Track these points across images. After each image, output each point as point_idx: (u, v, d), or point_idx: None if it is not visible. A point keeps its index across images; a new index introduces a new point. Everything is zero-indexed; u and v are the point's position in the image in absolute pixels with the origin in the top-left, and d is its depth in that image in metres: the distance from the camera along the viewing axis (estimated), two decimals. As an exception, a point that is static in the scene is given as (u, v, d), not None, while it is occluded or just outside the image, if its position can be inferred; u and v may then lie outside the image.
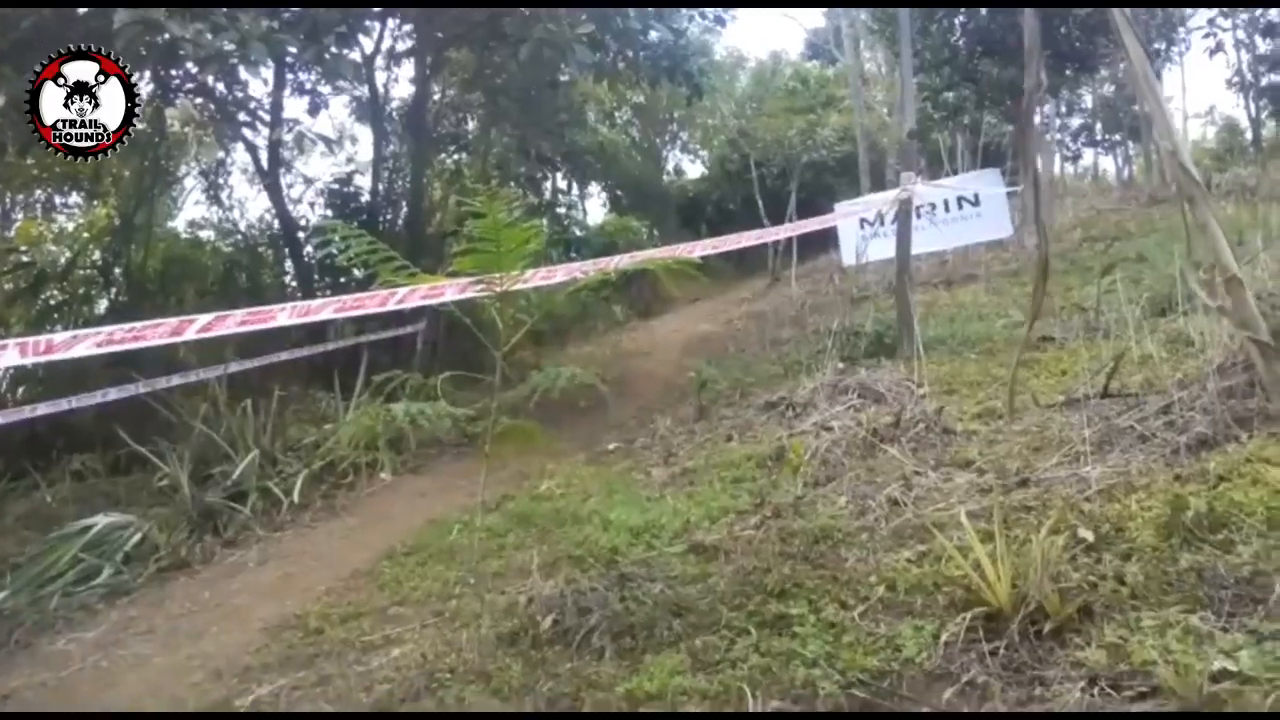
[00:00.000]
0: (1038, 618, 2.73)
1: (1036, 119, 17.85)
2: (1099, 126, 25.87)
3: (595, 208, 24.28)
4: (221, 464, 6.92)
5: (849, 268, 12.19)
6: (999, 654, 2.65)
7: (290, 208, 12.69)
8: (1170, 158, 3.15)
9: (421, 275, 3.66)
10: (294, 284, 12.70)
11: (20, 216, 13.95)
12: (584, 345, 14.35)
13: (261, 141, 11.49)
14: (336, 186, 13.75)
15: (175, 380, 7.88)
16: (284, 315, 3.97)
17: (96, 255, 12.65)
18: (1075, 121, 25.38)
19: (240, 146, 12.38)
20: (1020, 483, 4.11)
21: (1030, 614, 2.73)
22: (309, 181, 14.16)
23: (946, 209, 10.12)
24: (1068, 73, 14.40)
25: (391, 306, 4.08)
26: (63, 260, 12.63)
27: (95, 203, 13.55)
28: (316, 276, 12.40)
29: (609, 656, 3.12)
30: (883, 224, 9.81)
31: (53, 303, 11.96)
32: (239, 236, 14.28)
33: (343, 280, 11.81)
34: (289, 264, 13.23)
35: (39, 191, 13.88)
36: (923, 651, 2.77)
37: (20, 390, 9.90)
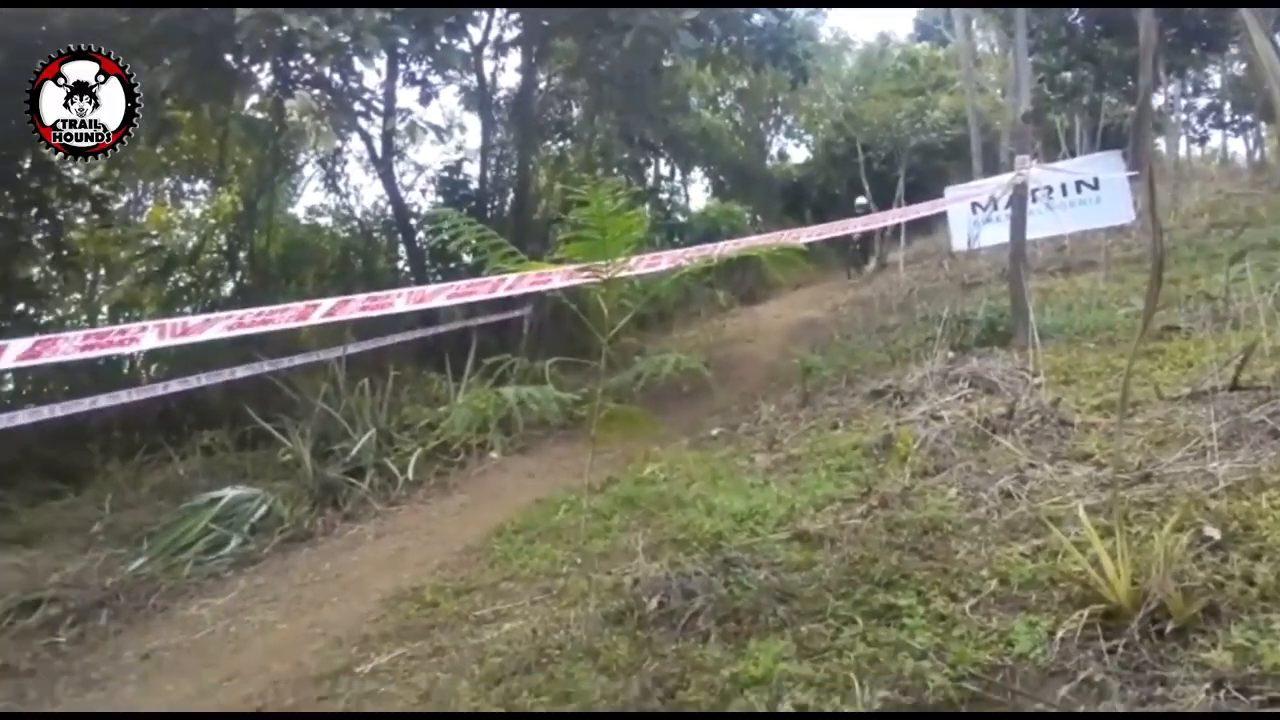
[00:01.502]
0: (1159, 617, 2.64)
1: (1160, 100, 17.04)
2: (1228, 107, 24.43)
3: (697, 193, 24.29)
4: (340, 441, 7.24)
5: (959, 253, 11.91)
6: (1117, 652, 2.57)
7: (403, 194, 13.14)
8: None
9: (530, 262, 3.75)
10: (407, 268, 13.12)
11: (150, 203, 14.77)
12: (686, 330, 14.39)
13: (375, 131, 11.89)
14: (446, 174, 14.17)
15: (297, 360, 8.27)
16: (401, 301, 4.12)
17: (222, 240, 13.28)
18: (1202, 102, 24.00)
19: (356, 136, 12.84)
20: (1142, 478, 3.96)
21: (1151, 613, 2.64)
22: (420, 169, 14.67)
23: (1064, 193, 9.76)
24: (1194, 51, 13.67)
25: (501, 293, 4.19)
26: (190, 245, 13.31)
27: (220, 189, 14.21)
28: (428, 261, 12.77)
29: (714, 640, 3.15)
30: (996, 208, 9.54)
31: (182, 285, 12.65)
32: (355, 222, 14.82)
33: (453, 265, 12.15)
34: (402, 249, 13.66)
35: (167, 179, 14.67)
36: (1037, 647, 2.71)
37: (154, 368, 10.53)
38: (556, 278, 3.91)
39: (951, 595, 3.16)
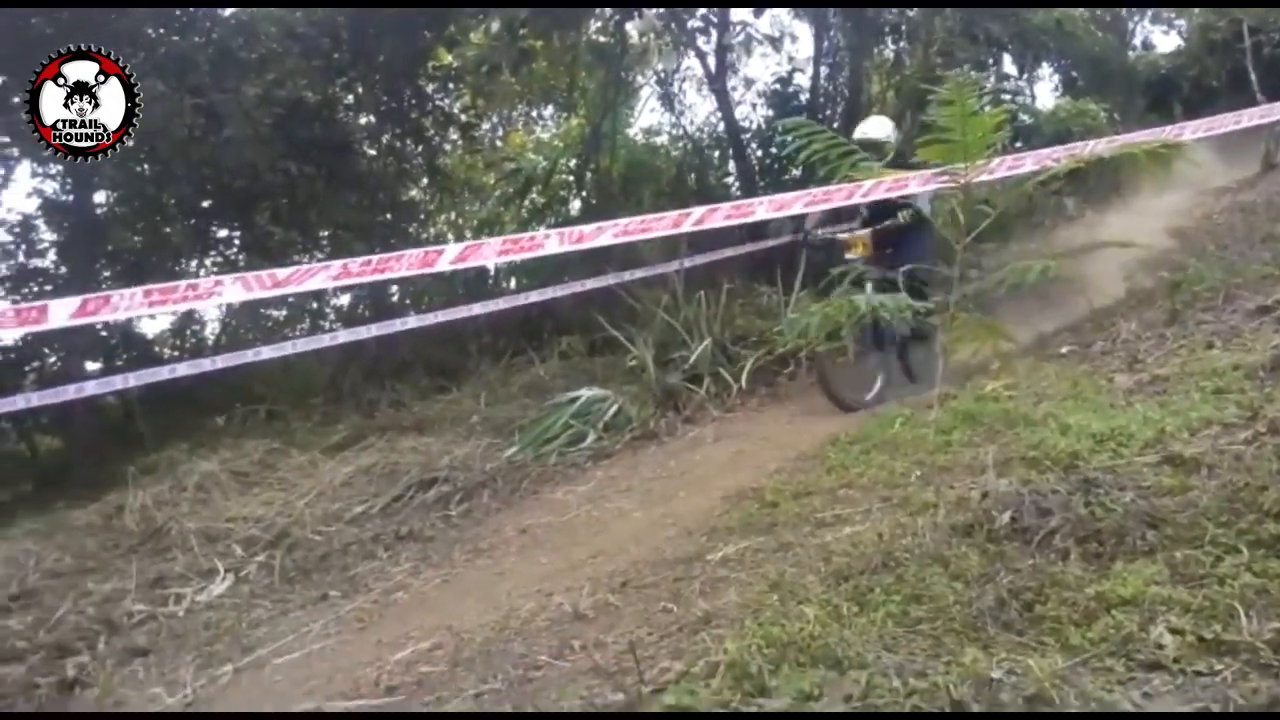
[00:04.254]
0: None
1: None
2: None
3: (1043, 92, 22.15)
4: (679, 349, 7.63)
5: (1375, 148, 10.13)
6: None
7: (734, 110, 13.22)
8: None
9: (883, 169, 3.70)
10: (736, 183, 13.31)
11: (508, 129, 16.10)
12: (1028, 241, 13.38)
13: (709, 47, 12.05)
14: (777, 86, 14.03)
15: (639, 273, 8.81)
16: (761, 209, 4.27)
17: (570, 162, 14.22)
18: None
19: (690, 54, 13.08)
20: None
21: None
22: (749, 83, 14.63)
23: None
24: None
25: (857, 199, 4.18)
26: (540, 167, 14.40)
27: (567, 114, 15.16)
28: (757, 176, 12.89)
29: (1074, 558, 3.01)
30: None
31: (537, 205, 13.79)
32: (687, 140, 15.17)
33: (783, 179, 12.15)
34: (731, 164, 13.86)
35: (521, 106, 15.87)
36: None
37: (513, 280, 11.68)
38: (913, 183, 3.84)
39: (1361, 533, 2.80)
